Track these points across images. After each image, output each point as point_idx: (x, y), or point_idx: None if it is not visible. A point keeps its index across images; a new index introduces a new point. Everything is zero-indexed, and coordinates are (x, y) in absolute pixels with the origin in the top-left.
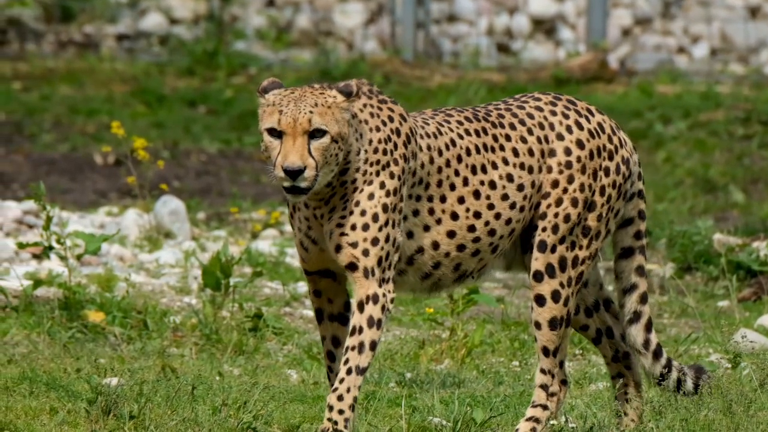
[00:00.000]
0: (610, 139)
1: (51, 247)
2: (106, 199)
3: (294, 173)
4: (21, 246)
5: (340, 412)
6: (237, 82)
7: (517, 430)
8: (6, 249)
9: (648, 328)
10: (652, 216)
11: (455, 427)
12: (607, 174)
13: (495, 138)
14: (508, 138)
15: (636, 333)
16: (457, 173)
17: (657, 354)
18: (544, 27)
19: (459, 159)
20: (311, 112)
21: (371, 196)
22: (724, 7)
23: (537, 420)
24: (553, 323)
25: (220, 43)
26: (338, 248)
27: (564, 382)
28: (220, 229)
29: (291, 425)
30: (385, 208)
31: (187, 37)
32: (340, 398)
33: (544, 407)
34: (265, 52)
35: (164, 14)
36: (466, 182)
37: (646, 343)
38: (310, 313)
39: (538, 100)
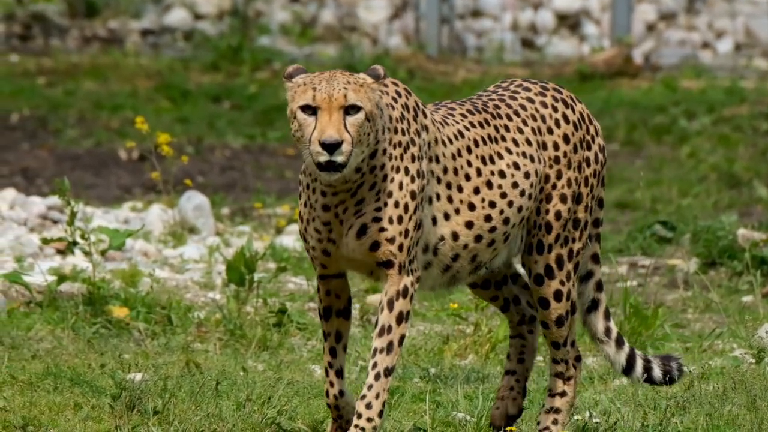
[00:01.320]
0: (588, 130)
1: (75, 243)
2: (131, 195)
3: (331, 146)
4: (45, 241)
5: (369, 420)
6: (261, 78)
7: (538, 422)
8: (30, 244)
9: (607, 316)
10: (676, 211)
11: (479, 423)
12: (588, 164)
13: (497, 129)
14: (507, 129)
15: (595, 321)
16: (469, 164)
17: (619, 342)
18: (569, 22)
19: (469, 150)
20: (345, 88)
21: (401, 186)
22: (749, 2)
23: (557, 410)
24: (560, 321)
25: (244, 38)
26: (375, 245)
27: (578, 359)
28: (245, 224)
29: (315, 420)
30: (413, 195)
31: (211, 33)
32: (368, 406)
33: (562, 394)
34: (290, 48)
35: (189, 9)
36: (479, 173)
37: (607, 331)
38: None
39: (528, 90)
